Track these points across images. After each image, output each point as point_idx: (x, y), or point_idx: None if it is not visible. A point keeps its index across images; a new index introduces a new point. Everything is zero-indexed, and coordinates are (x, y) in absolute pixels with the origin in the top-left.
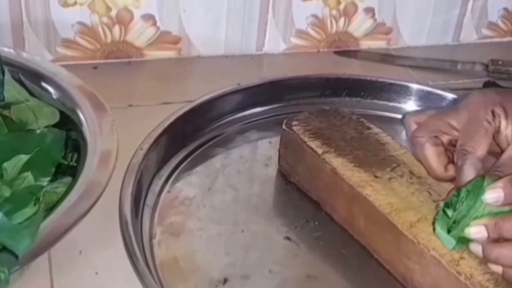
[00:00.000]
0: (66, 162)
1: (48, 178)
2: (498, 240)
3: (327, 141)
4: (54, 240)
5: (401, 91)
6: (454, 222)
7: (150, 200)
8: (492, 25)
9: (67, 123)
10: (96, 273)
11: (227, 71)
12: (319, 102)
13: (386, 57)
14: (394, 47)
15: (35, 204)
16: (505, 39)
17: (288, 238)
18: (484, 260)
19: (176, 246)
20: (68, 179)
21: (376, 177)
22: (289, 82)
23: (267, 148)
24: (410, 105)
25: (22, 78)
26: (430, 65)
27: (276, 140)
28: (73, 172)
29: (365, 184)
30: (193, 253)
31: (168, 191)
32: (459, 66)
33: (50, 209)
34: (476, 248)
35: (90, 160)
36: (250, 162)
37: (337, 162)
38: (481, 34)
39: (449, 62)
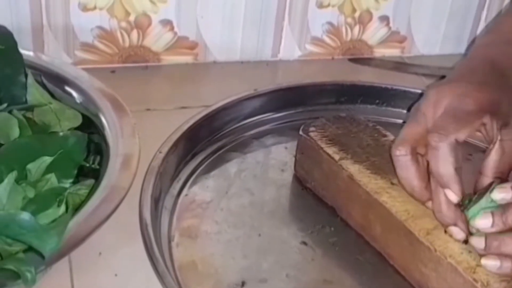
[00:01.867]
0: (88, 165)
1: (71, 180)
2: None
3: (344, 148)
4: (78, 242)
5: (416, 99)
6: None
7: (169, 203)
8: None
9: (90, 126)
10: (116, 275)
11: (242, 76)
12: (334, 109)
13: (399, 65)
14: (408, 55)
15: (58, 206)
16: None
17: (304, 243)
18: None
19: (194, 249)
20: (90, 182)
21: (392, 184)
22: (305, 89)
23: (283, 153)
24: None
25: (44, 81)
26: (443, 74)
27: (292, 145)
28: (96, 175)
29: (381, 191)
30: (210, 256)
31: (186, 195)
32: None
33: (74, 211)
34: (475, 240)
35: (113, 163)
36: (266, 167)
37: (353, 169)
38: None
39: None
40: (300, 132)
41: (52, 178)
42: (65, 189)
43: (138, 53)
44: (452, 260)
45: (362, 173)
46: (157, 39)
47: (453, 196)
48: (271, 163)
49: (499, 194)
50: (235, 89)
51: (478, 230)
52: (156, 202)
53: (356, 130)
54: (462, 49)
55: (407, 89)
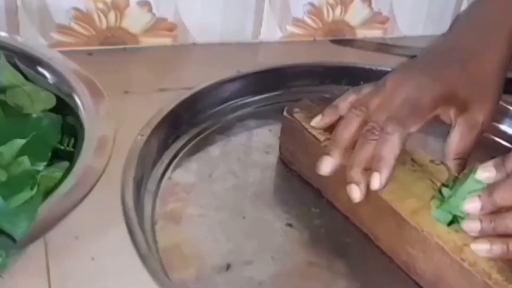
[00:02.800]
0: (62, 147)
1: (45, 163)
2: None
3: (329, 129)
4: (51, 224)
5: None
6: (448, 198)
7: (151, 186)
8: None
9: (64, 108)
10: (93, 259)
11: (222, 59)
12: (318, 91)
13: (382, 46)
14: (390, 36)
15: (31, 189)
16: None
17: (289, 225)
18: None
19: (177, 232)
20: (64, 164)
21: None
22: (288, 70)
23: (267, 135)
24: None
25: (18, 62)
26: None
27: (276, 128)
28: (70, 157)
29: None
30: (195, 240)
31: (169, 178)
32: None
33: (47, 193)
34: (470, 225)
35: (87, 145)
36: (250, 149)
37: None
38: None
39: None
40: (284, 113)
41: (25, 160)
42: (38, 172)
43: (116, 35)
44: (439, 240)
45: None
46: (135, 20)
47: (377, 182)
48: (255, 145)
49: (483, 174)
50: (216, 71)
51: (467, 214)
52: (139, 185)
53: None
54: (444, 29)
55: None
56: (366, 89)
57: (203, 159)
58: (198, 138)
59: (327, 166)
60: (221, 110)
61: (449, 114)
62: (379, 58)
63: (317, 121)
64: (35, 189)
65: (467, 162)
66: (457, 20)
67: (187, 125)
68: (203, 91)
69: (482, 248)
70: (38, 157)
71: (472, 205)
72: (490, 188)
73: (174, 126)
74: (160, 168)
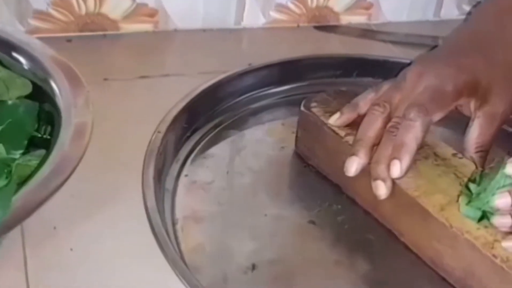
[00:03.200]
0: (39, 135)
1: (21, 151)
2: None
3: (348, 124)
4: (27, 213)
5: None
6: (477, 195)
7: (169, 184)
8: (473, 1)
9: (41, 95)
10: (72, 249)
11: (204, 45)
12: (329, 83)
13: (366, 33)
14: (374, 22)
15: (7, 177)
16: None
17: (312, 222)
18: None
19: (199, 231)
20: (41, 152)
21: None
22: (299, 63)
23: (280, 130)
24: None
25: None
26: (411, 41)
27: (288, 121)
28: (47, 145)
29: None
30: (218, 239)
31: (186, 175)
32: (440, 42)
33: (23, 182)
34: (501, 220)
35: (64, 132)
36: (266, 144)
37: None
38: (462, 10)
39: (430, 38)
40: (301, 108)
41: (0, 148)
42: (14, 159)
43: (96, 21)
44: (469, 236)
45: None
46: (115, 6)
47: (397, 170)
48: (270, 140)
49: None
50: (198, 58)
51: (497, 210)
52: (158, 184)
53: None
54: (429, 15)
55: (402, 60)
56: (386, 85)
57: (219, 155)
58: (212, 133)
59: (354, 166)
60: (234, 104)
61: (469, 105)
62: (363, 45)
63: (335, 119)
64: (10, 177)
65: (488, 154)
66: (477, 8)
67: (200, 120)
68: (215, 85)
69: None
70: (13, 145)
71: (502, 200)
72: None
73: (188, 121)
74: (176, 165)
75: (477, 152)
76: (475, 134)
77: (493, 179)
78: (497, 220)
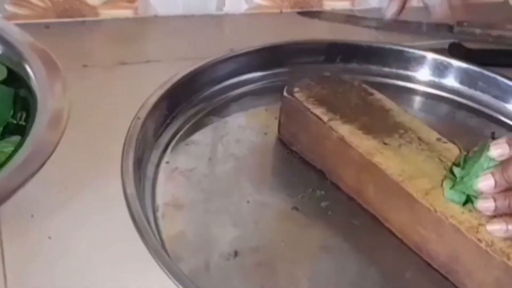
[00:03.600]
0: (15, 121)
1: None
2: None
3: (332, 108)
4: (2, 200)
5: (397, 56)
6: (461, 179)
7: (149, 172)
8: None
9: (16, 81)
10: (50, 237)
11: (185, 32)
12: (312, 69)
13: (350, 18)
14: (358, 8)
15: None
16: (471, 1)
17: (295, 208)
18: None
19: (181, 219)
20: (16, 138)
21: (385, 144)
22: (281, 48)
23: (264, 115)
24: (410, 70)
25: None
26: (395, 26)
27: (272, 107)
28: (22, 131)
29: (375, 152)
30: (199, 226)
31: (167, 162)
32: (424, 28)
33: None
34: (484, 204)
35: (40, 119)
36: (248, 130)
37: (344, 130)
38: None
39: (414, 24)
40: (284, 93)
41: None
42: None
43: (74, 7)
44: (453, 220)
45: (353, 134)
46: None
47: None
48: (253, 126)
49: (496, 151)
50: (178, 44)
51: (481, 193)
52: (138, 171)
53: (342, 90)
54: (413, 1)
55: (386, 46)
56: None
57: (201, 142)
58: (194, 120)
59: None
60: (215, 90)
61: None
62: (348, 30)
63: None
64: None
65: None
66: None
67: (181, 106)
68: (196, 71)
69: (498, 228)
70: None
71: (485, 182)
72: (504, 164)
73: (169, 108)
74: (156, 152)
75: None
76: None
77: (476, 162)
78: (480, 204)
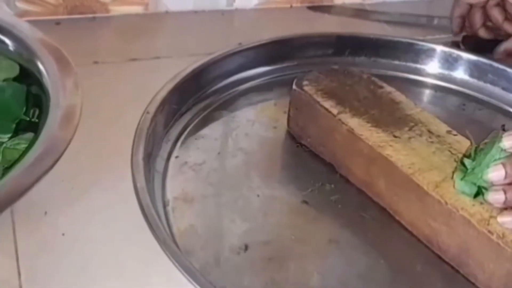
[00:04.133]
0: (27, 118)
1: (8, 135)
2: None
3: (341, 101)
4: (16, 197)
5: (406, 49)
6: (472, 170)
7: (159, 166)
8: None
9: (28, 78)
10: (63, 234)
11: (196, 27)
12: (321, 62)
13: (360, 12)
14: (368, 2)
15: None
16: None
17: (305, 202)
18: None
19: (191, 212)
20: (29, 135)
21: (395, 137)
22: (290, 42)
23: (273, 110)
24: (419, 63)
25: None
26: (406, 20)
27: (281, 101)
28: (35, 128)
29: (385, 145)
30: (209, 220)
31: (176, 157)
32: (435, 21)
33: (11, 166)
34: (494, 196)
35: (53, 115)
36: (258, 124)
37: (353, 123)
38: None
39: (425, 17)
40: (293, 87)
41: None
42: (2, 143)
43: (85, 4)
44: (464, 212)
45: (362, 126)
46: None
47: None
48: (262, 120)
49: (508, 142)
50: (188, 40)
51: (491, 185)
52: (148, 165)
53: (351, 83)
54: None
55: (395, 39)
56: None
57: (210, 136)
58: (203, 114)
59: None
60: (224, 85)
61: None
62: (357, 24)
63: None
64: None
65: None
66: None
67: (191, 101)
68: (205, 65)
69: (509, 220)
70: (1, 128)
71: (496, 173)
72: None
73: (178, 102)
74: (166, 146)
75: None
76: None
77: (488, 153)
78: (490, 196)
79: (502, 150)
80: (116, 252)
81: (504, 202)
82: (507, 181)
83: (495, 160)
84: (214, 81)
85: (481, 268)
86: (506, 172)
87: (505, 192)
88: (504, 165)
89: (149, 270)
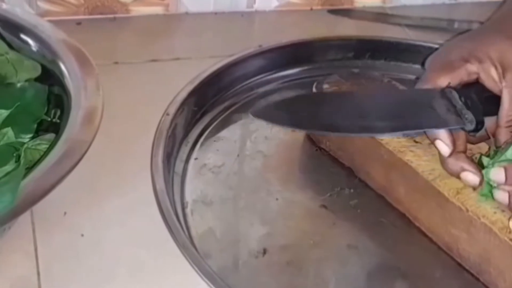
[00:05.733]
0: (48, 119)
1: (30, 135)
2: None
3: None
4: (37, 198)
5: (427, 53)
6: (487, 167)
7: (178, 168)
8: None
9: (50, 78)
10: (82, 235)
11: (216, 29)
12: (341, 65)
13: (381, 16)
14: (389, 5)
15: (16, 161)
16: None
17: (324, 207)
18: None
19: (210, 215)
20: (51, 136)
21: (416, 142)
22: (311, 45)
23: None
24: None
25: (1, 31)
26: (426, 24)
27: None
28: (56, 129)
29: (405, 150)
30: (228, 223)
31: (196, 159)
32: (456, 25)
33: (32, 166)
34: (499, 196)
35: (74, 116)
36: (276, 127)
37: None
38: None
39: (446, 21)
40: (314, 89)
41: (8, 132)
42: (23, 144)
43: (105, 4)
44: (485, 220)
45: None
46: None
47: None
48: None
49: None
50: (208, 41)
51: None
52: (167, 167)
53: (371, 87)
54: None
55: (417, 43)
56: None
57: (229, 139)
58: (222, 116)
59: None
60: (244, 86)
61: (491, 76)
62: (378, 28)
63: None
64: (19, 162)
65: None
66: None
67: (210, 103)
68: (225, 67)
69: None
70: (22, 128)
71: (497, 174)
72: None
73: (198, 104)
74: (185, 148)
75: (508, 126)
76: (505, 107)
77: (503, 153)
78: (497, 195)
79: None
80: (135, 254)
81: (509, 204)
82: (508, 183)
83: (503, 161)
84: (234, 83)
85: (502, 277)
86: (506, 176)
87: (510, 195)
88: (505, 169)
89: (167, 272)
